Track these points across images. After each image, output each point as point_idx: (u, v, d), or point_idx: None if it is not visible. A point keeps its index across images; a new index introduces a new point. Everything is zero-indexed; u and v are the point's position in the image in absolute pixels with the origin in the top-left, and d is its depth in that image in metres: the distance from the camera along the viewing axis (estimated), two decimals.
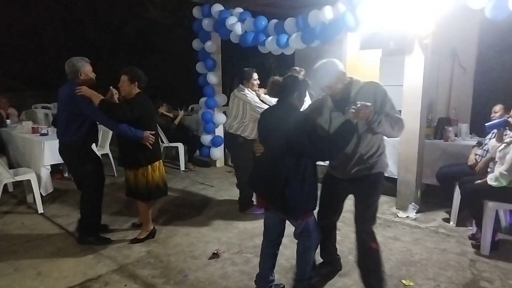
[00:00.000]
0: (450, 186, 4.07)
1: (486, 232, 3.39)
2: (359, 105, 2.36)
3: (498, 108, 4.22)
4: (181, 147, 6.55)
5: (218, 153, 6.71)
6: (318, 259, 3.06)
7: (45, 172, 4.66)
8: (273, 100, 4.55)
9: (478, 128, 4.79)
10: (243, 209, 4.51)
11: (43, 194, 4.62)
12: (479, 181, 3.49)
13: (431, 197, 4.68)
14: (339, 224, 3.09)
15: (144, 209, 3.74)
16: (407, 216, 4.27)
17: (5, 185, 4.77)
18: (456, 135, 4.77)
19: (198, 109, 7.56)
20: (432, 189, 4.70)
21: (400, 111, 3.60)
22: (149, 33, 12.62)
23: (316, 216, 2.77)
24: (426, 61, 4.17)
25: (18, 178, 4.42)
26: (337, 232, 3.22)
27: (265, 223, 2.81)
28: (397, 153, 4.49)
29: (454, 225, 4.05)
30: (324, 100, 2.70)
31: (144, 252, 3.51)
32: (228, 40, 5.89)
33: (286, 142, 2.45)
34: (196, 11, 6.30)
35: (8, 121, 6.23)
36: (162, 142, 6.33)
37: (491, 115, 4.23)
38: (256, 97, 4.39)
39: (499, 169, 3.30)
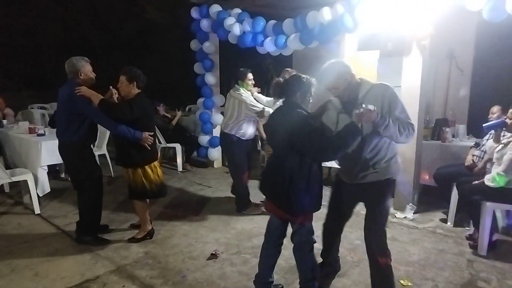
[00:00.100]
0: (448, 187, 4.09)
1: (483, 233, 3.40)
2: (362, 108, 2.29)
3: (495, 109, 4.25)
4: (178, 147, 6.54)
5: (215, 153, 6.71)
6: (318, 260, 3.05)
7: (42, 173, 4.63)
8: (265, 99, 4.59)
9: (475, 129, 4.82)
10: (240, 210, 4.51)
11: (40, 195, 4.59)
12: (476, 182, 3.51)
13: (429, 198, 4.70)
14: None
15: (141, 209, 3.73)
16: (405, 217, 4.29)
17: (2, 186, 4.75)
18: (453, 136, 4.79)
19: (196, 109, 7.56)
20: (430, 190, 4.72)
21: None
22: (146, 34, 12.61)
23: (325, 217, 2.81)
24: (424, 62, 4.19)
25: (15, 179, 4.40)
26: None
27: (268, 225, 2.80)
28: None
29: (452, 225, 4.07)
30: (332, 101, 2.65)
31: (142, 252, 3.50)
32: (226, 40, 5.89)
33: (288, 141, 2.45)
34: (194, 12, 6.30)
35: (5, 121, 6.19)
36: (160, 142, 6.32)
37: (489, 116, 4.26)
38: (251, 97, 4.41)
39: (496, 169, 3.32)
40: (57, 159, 4.50)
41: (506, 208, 3.57)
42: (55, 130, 4.64)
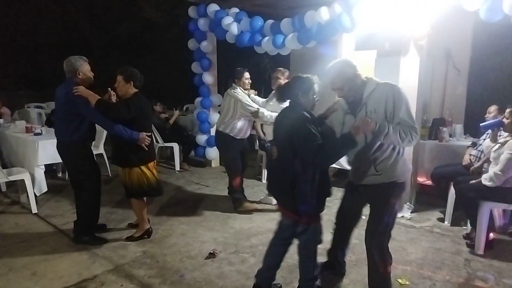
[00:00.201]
0: (445, 186, 4.11)
1: (480, 232, 3.42)
2: (358, 121, 2.26)
3: (492, 108, 4.27)
4: (176, 147, 6.53)
5: (213, 153, 6.70)
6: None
7: (39, 172, 4.62)
8: (261, 101, 4.63)
9: (472, 129, 4.84)
10: (237, 207, 4.53)
11: (37, 194, 4.58)
12: (473, 181, 3.53)
13: (426, 197, 4.71)
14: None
15: (138, 208, 3.72)
16: (402, 216, 4.30)
17: None
18: (450, 136, 4.81)
19: (193, 109, 7.56)
20: (427, 189, 4.74)
21: None
22: (145, 33, 12.59)
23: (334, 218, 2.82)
24: (421, 62, 4.20)
25: (12, 178, 4.38)
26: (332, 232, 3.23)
27: (279, 223, 2.78)
28: None
29: (449, 224, 4.08)
30: (340, 102, 2.61)
31: (140, 252, 3.50)
32: (224, 40, 5.89)
33: (289, 143, 2.46)
34: (192, 11, 6.29)
35: (1, 121, 6.17)
36: (157, 142, 6.31)
37: (485, 116, 4.28)
38: (247, 97, 4.45)
39: (493, 169, 3.34)
40: (54, 158, 4.51)
41: (503, 207, 3.59)
42: (52, 129, 4.64)
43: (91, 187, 3.61)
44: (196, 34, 6.39)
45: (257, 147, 6.20)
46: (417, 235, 3.84)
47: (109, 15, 13.04)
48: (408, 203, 4.38)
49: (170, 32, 11.42)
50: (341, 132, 2.52)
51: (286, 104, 2.63)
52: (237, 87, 4.45)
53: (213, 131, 6.67)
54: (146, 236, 3.75)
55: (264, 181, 5.54)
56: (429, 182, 4.52)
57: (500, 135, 3.63)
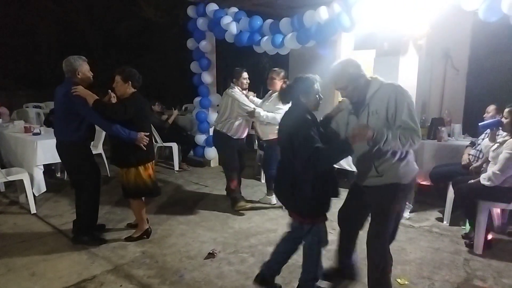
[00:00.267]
0: (444, 186, 4.12)
1: (479, 231, 3.43)
2: (355, 129, 2.23)
3: (490, 108, 4.28)
4: (175, 147, 6.52)
5: (212, 153, 6.69)
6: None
7: (38, 172, 4.61)
8: (259, 102, 4.66)
9: (471, 128, 4.85)
10: (233, 206, 4.57)
11: (36, 194, 4.57)
12: (472, 181, 3.53)
13: (425, 197, 4.72)
14: (334, 224, 3.09)
15: (137, 209, 3.72)
16: None
17: None
18: (449, 135, 4.82)
19: (192, 108, 7.55)
20: (426, 189, 4.74)
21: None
22: (144, 33, 12.58)
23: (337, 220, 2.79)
24: (420, 62, 4.21)
25: (11, 178, 4.37)
26: (332, 232, 3.24)
27: (291, 223, 2.80)
28: None
29: (448, 224, 4.09)
30: (345, 101, 2.58)
31: (139, 252, 3.50)
32: (223, 39, 5.88)
33: (289, 142, 2.47)
34: (190, 10, 6.28)
35: (0, 121, 6.15)
36: (156, 142, 6.30)
37: (484, 115, 4.29)
38: (244, 97, 4.48)
39: (492, 168, 3.34)
40: (53, 158, 4.50)
41: (502, 207, 3.60)
42: (50, 129, 4.62)
43: (90, 187, 3.61)
44: (195, 34, 6.38)
45: (256, 146, 6.20)
46: (416, 235, 3.85)
47: (109, 15, 13.02)
48: (407, 202, 4.38)
49: (170, 32, 11.42)
50: (345, 132, 2.50)
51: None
52: (235, 87, 4.49)
53: (212, 131, 6.67)
54: (145, 236, 3.75)
55: (263, 181, 5.54)
56: (428, 182, 4.52)
57: (498, 135, 3.64)
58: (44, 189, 4.69)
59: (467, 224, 3.75)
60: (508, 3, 3.29)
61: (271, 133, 4.43)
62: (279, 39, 5.13)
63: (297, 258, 3.12)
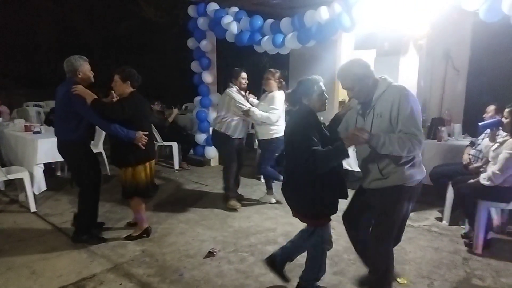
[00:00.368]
0: (443, 186, 4.11)
1: (478, 231, 3.43)
2: (350, 132, 2.22)
3: (490, 108, 4.28)
4: (175, 146, 6.53)
5: (212, 152, 6.70)
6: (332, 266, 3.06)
7: (38, 171, 4.61)
8: (255, 102, 4.70)
9: (471, 128, 4.85)
10: (226, 201, 4.67)
11: (36, 193, 4.57)
12: (472, 181, 3.54)
13: (424, 196, 4.71)
14: (333, 223, 3.07)
15: (137, 207, 3.72)
16: None
17: None
18: (449, 135, 4.82)
19: (193, 108, 7.55)
20: (425, 188, 4.72)
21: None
22: (143, 32, 12.58)
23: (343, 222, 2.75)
24: (421, 62, 4.22)
25: (11, 177, 4.37)
26: (332, 231, 3.23)
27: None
28: None
29: (447, 224, 4.09)
30: (354, 100, 2.55)
31: (139, 251, 3.50)
32: (223, 39, 5.89)
33: (291, 144, 2.51)
34: (191, 10, 6.29)
35: (0, 119, 6.16)
36: (156, 141, 6.30)
37: (483, 115, 4.29)
38: (241, 96, 4.52)
39: (492, 168, 3.35)
40: (53, 157, 4.51)
41: (501, 207, 3.60)
42: (50, 128, 4.63)
43: (90, 186, 3.62)
44: (196, 33, 6.38)
45: (256, 146, 6.20)
46: (415, 234, 3.85)
47: (109, 14, 13.02)
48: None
49: (170, 31, 11.41)
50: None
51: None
52: (234, 86, 4.54)
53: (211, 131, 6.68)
54: (145, 235, 3.76)
55: (263, 180, 5.54)
56: (427, 181, 4.51)
57: (498, 135, 3.64)
58: (44, 187, 4.70)
59: (467, 224, 3.76)
60: (508, 4, 3.30)
61: (266, 133, 4.47)
62: (279, 38, 5.13)
63: (297, 257, 3.13)
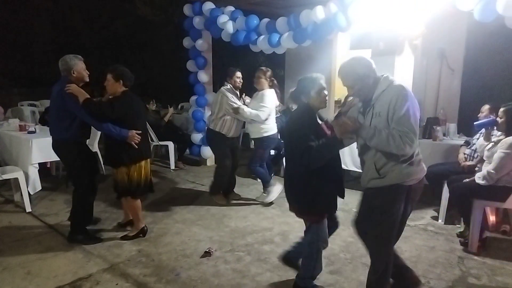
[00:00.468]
0: (439, 185, 4.13)
1: (474, 230, 3.45)
2: (337, 121, 2.23)
3: (485, 108, 4.30)
4: (171, 145, 6.51)
5: (208, 151, 6.68)
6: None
7: (33, 171, 4.58)
8: (247, 100, 4.75)
9: (466, 128, 4.88)
10: (212, 193, 4.77)
11: (31, 193, 4.54)
12: (467, 180, 3.56)
13: (420, 196, 4.73)
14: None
15: (133, 207, 3.71)
16: None
17: None
18: (444, 135, 4.84)
19: (188, 107, 7.54)
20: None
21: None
22: (138, 31, 12.53)
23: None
24: (416, 61, 4.24)
25: (5, 177, 4.34)
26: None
27: None
28: None
29: (443, 223, 4.11)
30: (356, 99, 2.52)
31: (135, 251, 3.49)
32: (219, 38, 5.88)
33: (289, 141, 2.57)
34: (187, 9, 6.28)
35: None
36: (152, 140, 6.29)
37: (478, 115, 4.32)
38: (232, 94, 4.53)
39: (487, 167, 3.37)
40: (48, 157, 4.50)
41: (496, 206, 3.62)
42: (45, 127, 4.61)
43: (83, 185, 3.60)
44: (191, 32, 6.37)
45: (252, 145, 6.20)
46: (411, 233, 3.87)
47: (104, 13, 12.96)
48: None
49: (165, 30, 11.39)
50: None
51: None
52: (228, 85, 4.58)
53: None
54: (141, 235, 3.74)
55: (259, 179, 5.54)
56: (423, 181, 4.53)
57: (493, 134, 3.67)
58: (39, 187, 4.66)
59: (462, 223, 3.78)
60: (503, 4, 3.32)
61: (257, 132, 4.49)
62: (275, 38, 5.13)
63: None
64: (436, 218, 4.23)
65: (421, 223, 4.15)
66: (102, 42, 13.38)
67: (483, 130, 3.89)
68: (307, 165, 2.40)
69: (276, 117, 5.76)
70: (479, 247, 3.44)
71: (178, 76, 9.39)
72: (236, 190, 5.04)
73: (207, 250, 3.43)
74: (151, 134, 6.21)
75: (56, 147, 3.61)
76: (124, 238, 3.70)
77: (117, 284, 2.93)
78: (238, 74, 4.59)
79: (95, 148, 5.83)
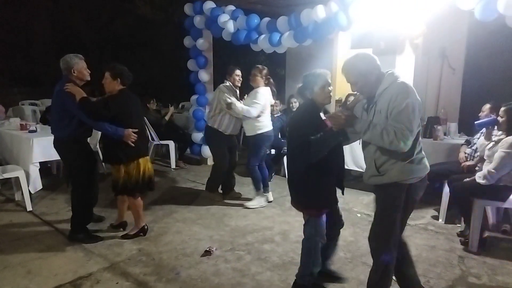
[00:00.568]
0: (439, 184, 4.13)
1: (474, 229, 3.44)
2: (332, 113, 2.26)
3: (485, 107, 4.30)
4: (171, 145, 6.51)
5: (208, 151, 6.69)
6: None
7: (33, 170, 4.58)
8: (241, 99, 4.74)
9: (467, 127, 4.88)
10: (209, 190, 4.83)
11: (32, 192, 4.54)
12: (467, 179, 3.55)
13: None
14: None
15: (134, 206, 3.71)
16: None
17: None
18: (445, 134, 4.84)
19: (189, 106, 7.54)
20: None
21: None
22: (139, 30, 12.54)
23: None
24: (417, 61, 4.23)
25: (6, 176, 4.35)
26: None
27: None
28: None
29: (443, 222, 4.11)
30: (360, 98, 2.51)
31: (136, 250, 3.49)
32: (220, 37, 5.88)
33: (290, 136, 2.61)
34: (187, 8, 6.28)
35: None
36: (153, 139, 6.29)
37: (479, 114, 4.31)
38: (228, 90, 4.54)
39: (487, 167, 3.36)
40: (49, 156, 4.50)
41: (497, 205, 3.62)
42: (46, 126, 4.62)
43: (83, 183, 3.61)
44: (192, 32, 6.38)
45: None
46: (411, 233, 3.86)
47: (104, 12, 12.97)
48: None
49: (165, 29, 11.39)
50: None
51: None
52: (228, 82, 4.60)
53: None
54: (141, 234, 3.75)
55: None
56: None
57: (494, 134, 3.66)
58: (40, 186, 4.67)
59: (462, 222, 3.78)
60: (504, 3, 3.32)
61: (252, 129, 4.50)
62: (276, 37, 5.13)
63: (294, 256, 3.14)
64: (436, 218, 4.23)
65: (422, 222, 4.15)
66: (102, 41, 13.38)
67: (483, 129, 3.89)
68: (307, 159, 2.44)
69: (277, 116, 5.78)
70: (479, 246, 3.44)
71: (178, 76, 9.41)
72: (236, 189, 5.05)
73: (207, 249, 3.43)
74: (152, 133, 6.21)
75: (56, 145, 3.63)
76: (124, 237, 3.70)
77: (117, 283, 2.93)
78: (238, 72, 4.59)
79: (95, 147, 5.84)
